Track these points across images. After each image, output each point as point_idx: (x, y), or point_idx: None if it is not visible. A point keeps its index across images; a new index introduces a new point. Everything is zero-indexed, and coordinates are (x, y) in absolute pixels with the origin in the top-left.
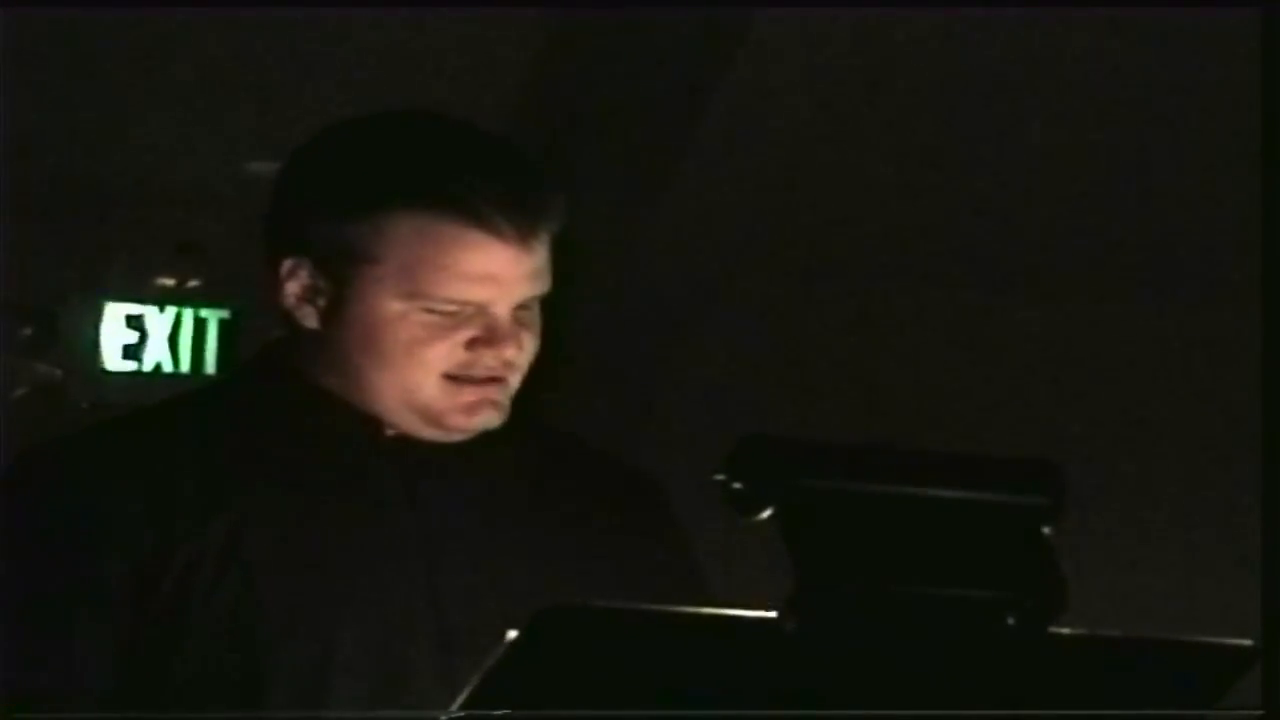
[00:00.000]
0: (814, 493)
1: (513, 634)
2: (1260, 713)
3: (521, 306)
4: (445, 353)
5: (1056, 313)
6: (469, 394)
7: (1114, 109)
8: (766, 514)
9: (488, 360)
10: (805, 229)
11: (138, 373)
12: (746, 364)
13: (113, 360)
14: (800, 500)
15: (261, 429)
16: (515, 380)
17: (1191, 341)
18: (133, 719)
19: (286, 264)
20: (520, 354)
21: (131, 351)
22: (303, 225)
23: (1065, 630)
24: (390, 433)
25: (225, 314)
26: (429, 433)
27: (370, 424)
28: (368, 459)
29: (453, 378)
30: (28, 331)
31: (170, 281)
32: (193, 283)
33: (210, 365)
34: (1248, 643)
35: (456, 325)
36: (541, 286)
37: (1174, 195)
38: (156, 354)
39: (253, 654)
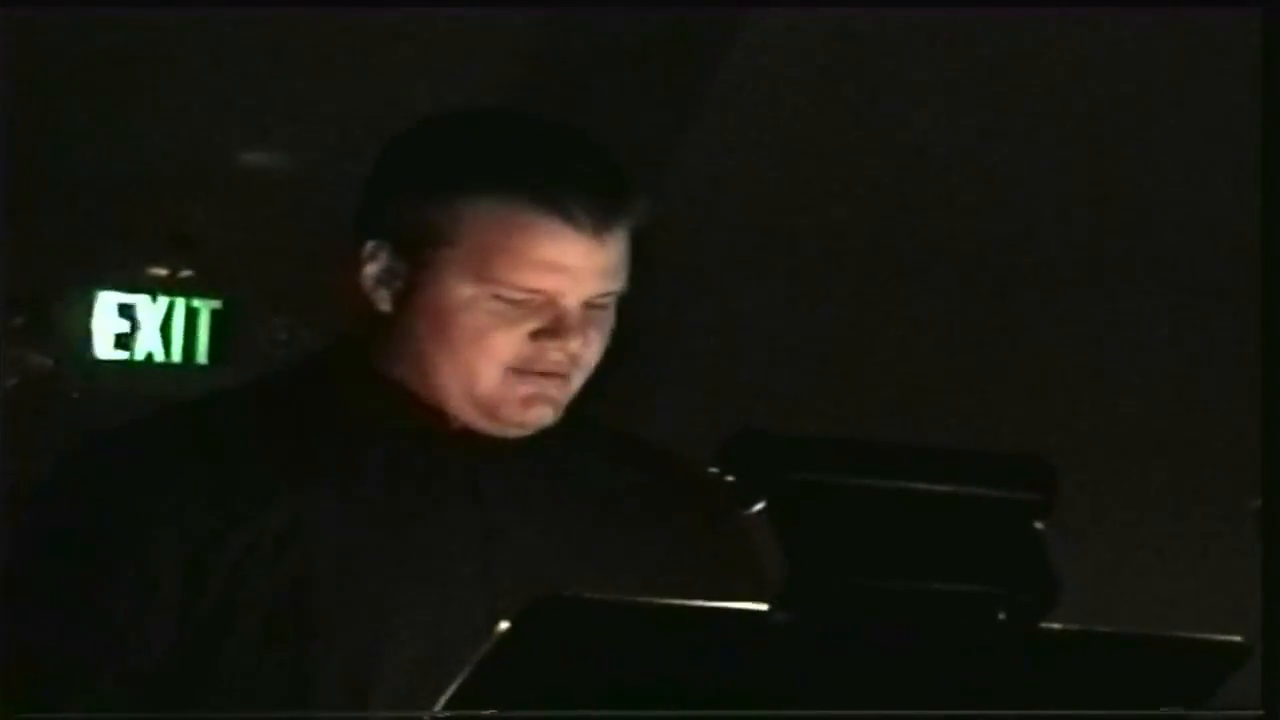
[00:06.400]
0: (805, 487)
1: (504, 625)
2: (1260, 713)
3: (593, 304)
4: (509, 343)
5: (1048, 309)
6: (527, 386)
7: (1113, 108)
8: (758, 508)
9: (552, 354)
10: (796, 226)
11: (130, 362)
12: (739, 359)
13: (105, 350)
14: (791, 494)
15: (327, 418)
16: (578, 379)
17: (1188, 339)
18: (131, 719)
19: (368, 246)
20: (586, 349)
21: (123, 341)
22: (388, 208)
23: (1056, 626)
24: (455, 426)
25: (217, 304)
26: (486, 426)
27: (436, 416)
28: (431, 452)
29: (514, 370)
30: (20, 321)
31: (163, 271)
32: (185, 273)
33: (202, 355)
34: (1238, 639)
35: (524, 315)
36: (616, 284)
37: (1173, 195)
38: (148, 344)
39: (304, 642)
